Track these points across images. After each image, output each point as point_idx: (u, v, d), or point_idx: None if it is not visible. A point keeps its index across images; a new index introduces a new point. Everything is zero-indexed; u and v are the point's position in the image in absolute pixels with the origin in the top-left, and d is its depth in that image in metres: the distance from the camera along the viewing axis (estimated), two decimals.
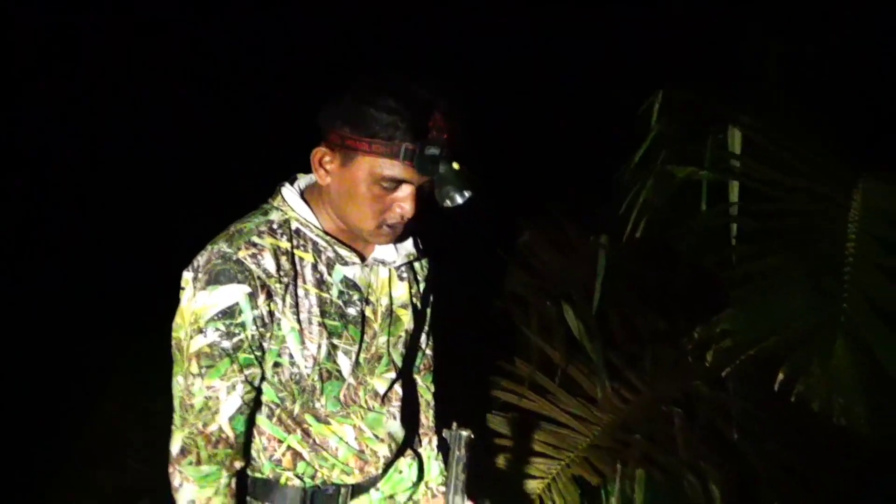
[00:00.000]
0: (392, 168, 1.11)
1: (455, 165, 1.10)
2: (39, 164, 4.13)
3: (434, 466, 1.48)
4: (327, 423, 1.27)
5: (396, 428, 1.34)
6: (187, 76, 4.23)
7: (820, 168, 1.86)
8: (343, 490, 1.31)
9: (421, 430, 1.49)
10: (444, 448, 1.45)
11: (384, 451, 1.32)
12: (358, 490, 1.33)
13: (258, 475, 1.28)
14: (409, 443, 1.42)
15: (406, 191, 1.15)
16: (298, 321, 1.20)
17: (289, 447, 1.27)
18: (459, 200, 1.11)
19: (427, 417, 1.50)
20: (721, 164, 1.80)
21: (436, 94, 1.12)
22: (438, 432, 1.49)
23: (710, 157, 1.81)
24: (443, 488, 1.44)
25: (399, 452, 1.38)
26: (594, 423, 2.42)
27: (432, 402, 1.51)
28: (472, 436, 1.30)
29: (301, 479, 1.28)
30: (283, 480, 1.28)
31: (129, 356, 3.41)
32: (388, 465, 1.36)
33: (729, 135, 1.81)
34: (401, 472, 1.40)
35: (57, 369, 3.34)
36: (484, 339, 2.65)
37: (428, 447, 1.49)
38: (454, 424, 1.31)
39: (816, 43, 2.08)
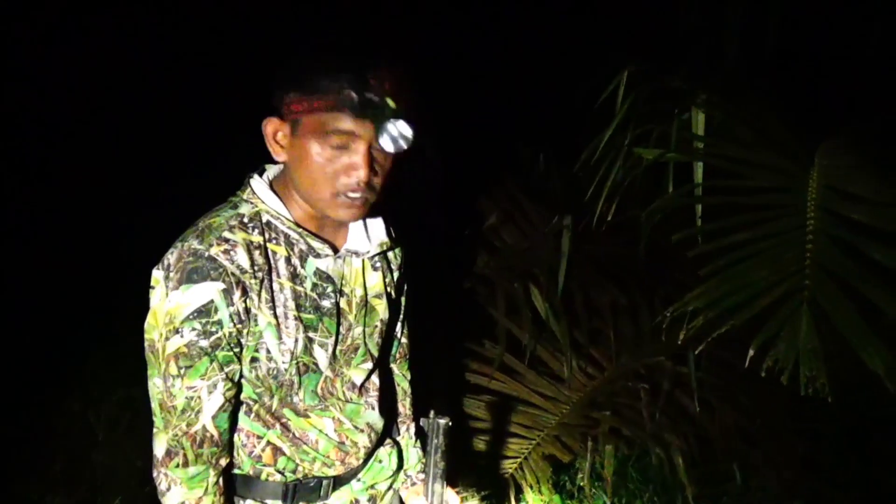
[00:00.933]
0: (335, 120, 1.10)
1: (396, 107, 1.08)
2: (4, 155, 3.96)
3: (412, 454, 1.49)
4: (306, 416, 1.26)
5: (375, 418, 1.34)
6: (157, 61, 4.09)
7: (779, 144, 1.90)
8: (325, 482, 1.30)
9: (399, 419, 1.50)
10: (421, 435, 1.45)
11: (364, 441, 1.32)
12: (339, 482, 1.33)
13: (238, 471, 1.27)
14: (388, 432, 1.43)
15: (357, 151, 1.12)
16: (275, 316, 1.18)
17: (269, 442, 1.26)
18: (404, 144, 1.09)
19: (404, 406, 1.50)
20: (686, 146, 1.82)
21: (375, 44, 1.12)
22: (416, 419, 1.49)
23: (675, 138, 1.83)
24: (422, 476, 1.44)
25: (379, 442, 1.38)
26: (563, 401, 2.46)
27: (409, 390, 1.51)
28: (450, 423, 1.31)
29: (282, 473, 1.27)
30: (263, 476, 1.27)
31: (89, 348, 3.31)
32: (369, 455, 1.36)
33: (692, 116, 1.84)
34: (381, 461, 1.40)
35: (14, 362, 3.21)
36: (451, 321, 2.65)
37: (406, 435, 1.49)
38: (431, 413, 1.32)
39: (773, 19, 2.11)
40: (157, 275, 1.13)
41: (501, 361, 2.47)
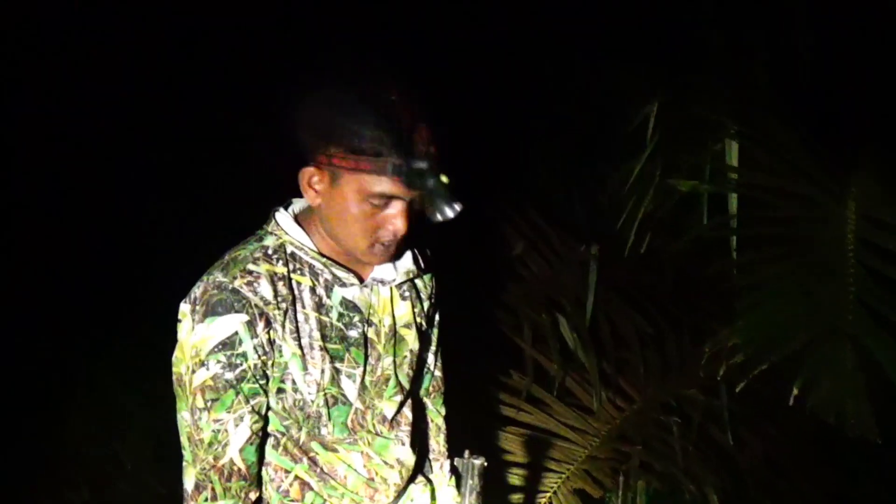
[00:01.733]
0: (380, 184, 1.08)
1: (444, 178, 1.07)
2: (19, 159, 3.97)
3: (446, 493, 1.45)
4: (335, 450, 1.24)
5: (406, 454, 1.31)
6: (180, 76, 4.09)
7: (813, 173, 1.86)
8: None
9: (432, 455, 1.47)
10: (455, 474, 1.42)
11: (394, 477, 1.29)
12: None
13: None
14: (420, 468, 1.40)
15: (397, 207, 1.12)
16: (300, 346, 1.17)
17: (296, 477, 1.24)
18: (451, 214, 1.08)
19: (438, 442, 1.47)
20: (720, 177, 1.79)
21: (415, 101, 1.09)
22: (450, 456, 1.46)
23: (709, 168, 1.80)
24: None
25: (411, 478, 1.35)
26: (592, 434, 2.40)
27: (443, 426, 1.48)
28: (486, 464, 1.28)
29: None
30: None
31: (109, 373, 3.30)
32: (400, 492, 1.33)
33: (726, 147, 1.81)
34: (413, 499, 1.37)
35: (36, 389, 3.21)
36: (478, 350, 2.61)
37: (440, 472, 1.46)
38: (466, 452, 1.29)
39: (805, 44, 2.08)
40: (184, 308, 1.14)
41: (529, 392, 2.42)
